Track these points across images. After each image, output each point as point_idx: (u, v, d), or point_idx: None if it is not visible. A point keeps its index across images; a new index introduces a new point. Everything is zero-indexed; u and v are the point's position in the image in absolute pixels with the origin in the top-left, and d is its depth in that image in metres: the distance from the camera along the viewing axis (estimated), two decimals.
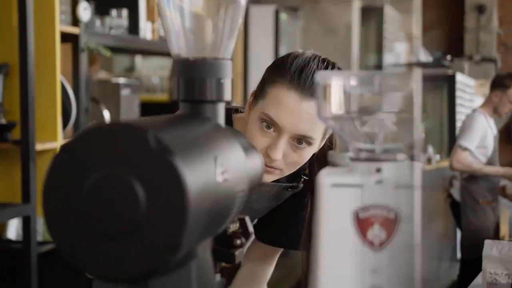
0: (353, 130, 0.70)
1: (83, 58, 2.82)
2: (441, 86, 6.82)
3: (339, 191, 0.67)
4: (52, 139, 2.61)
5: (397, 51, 7.42)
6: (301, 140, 1.23)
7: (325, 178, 0.67)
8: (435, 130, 7.26)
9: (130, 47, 3.40)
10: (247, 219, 0.84)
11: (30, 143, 2.44)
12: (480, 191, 4.35)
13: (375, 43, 7.54)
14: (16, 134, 2.53)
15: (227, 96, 0.79)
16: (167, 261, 0.59)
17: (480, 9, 9.65)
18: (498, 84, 4.30)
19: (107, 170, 0.60)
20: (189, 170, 0.60)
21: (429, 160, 6.21)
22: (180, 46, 0.79)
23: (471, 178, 4.35)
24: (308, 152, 1.25)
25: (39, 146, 2.53)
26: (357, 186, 0.66)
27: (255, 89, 1.30)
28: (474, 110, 4.50)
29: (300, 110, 1.20)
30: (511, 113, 4.63)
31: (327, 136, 1.30)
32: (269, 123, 1.22)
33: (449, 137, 7.32)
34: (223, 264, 0.84)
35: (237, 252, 0.83)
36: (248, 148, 0.83)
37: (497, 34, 9.77)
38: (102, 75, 3.85)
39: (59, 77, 2.63)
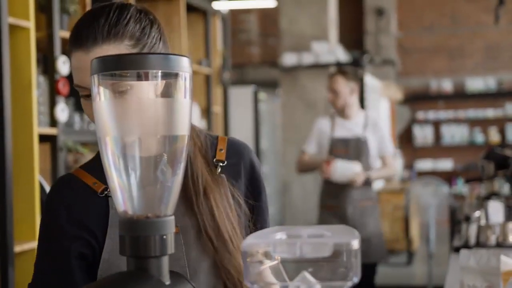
0: None
1: (61, 157, 2.89)
2: None
3: None
4: (31, 239, 2.66)
5: None
6: None
7: None
8: None
9: None
10: None
11: (9, 247, 2.49)
12: (321, 195, 4.25)
13: None
14: None
15: (170, 249, 0.85)
16: None
17: (379, 12, 9.91)
18: None
19: None
20: None
21: None
22: (125, 205, 0.86)
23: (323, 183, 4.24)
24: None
25: (17, 248, 2.57)
26: None
27: None
28: None
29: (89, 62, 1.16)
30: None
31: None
32: (83, 92, 1.18)
33: None
34: None
35: None
36: None
37: (395, 37, 10.07)
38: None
39: (37, 178, 2.70)
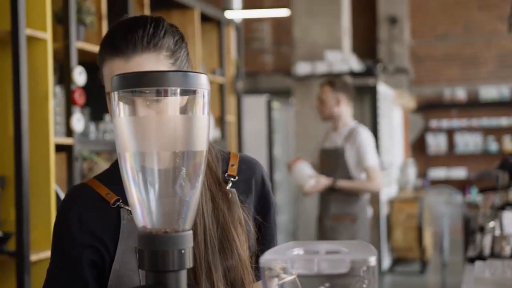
0: None
1: (77, 166, 2.92)
2: (362, 96, 6.96)
3: None
4: (47, 248, 2.68)
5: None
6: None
7: None
8: None
9: None
10: None
11: (25, 255, 2.51)
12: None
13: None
14: (11, 245, 2.60)
15: (189, 263, 0.87)
16: None
17: (392, 21, 9.87)
18: None
19: None
20: None
21: None
22: (144, 219, 0.87)
23: None
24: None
25: (34, 257, 2.60)
26: None
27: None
28: None
29: (129, 70, 1.16)
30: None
31: None
32: None
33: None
34: None
35: None
36: None
37: (409, 45, 10.03)
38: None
39: (53, 187, 2.73)
